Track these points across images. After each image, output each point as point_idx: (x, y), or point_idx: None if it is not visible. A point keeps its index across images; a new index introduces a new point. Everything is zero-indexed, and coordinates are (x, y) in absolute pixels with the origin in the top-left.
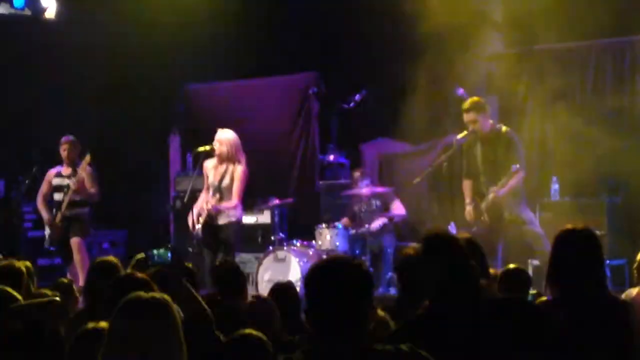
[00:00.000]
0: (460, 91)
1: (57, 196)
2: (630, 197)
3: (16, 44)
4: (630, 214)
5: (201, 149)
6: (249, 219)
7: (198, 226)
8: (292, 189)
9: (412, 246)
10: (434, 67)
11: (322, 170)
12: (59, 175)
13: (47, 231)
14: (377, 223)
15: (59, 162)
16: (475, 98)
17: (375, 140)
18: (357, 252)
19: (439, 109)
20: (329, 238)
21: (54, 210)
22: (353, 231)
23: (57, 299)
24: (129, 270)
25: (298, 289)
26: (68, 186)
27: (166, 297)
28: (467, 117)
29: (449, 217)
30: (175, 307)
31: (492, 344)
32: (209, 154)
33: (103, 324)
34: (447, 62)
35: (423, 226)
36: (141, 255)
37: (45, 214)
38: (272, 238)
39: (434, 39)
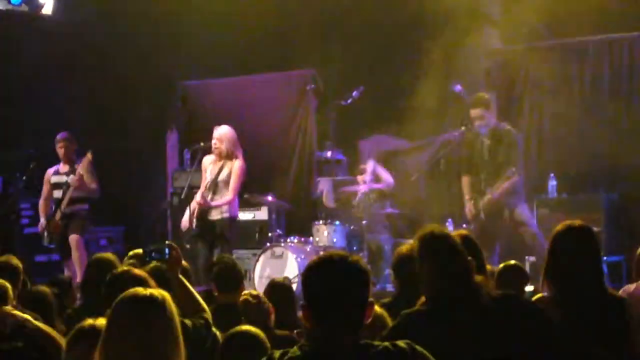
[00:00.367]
0: (458, 87)
1: (57, 193)
2: (628, 194)
3: (13, 40)
4: (628, 211)
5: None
6: (246, 215)
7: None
8: (290, 185)
9: (409, 243)
10: (432, 63)
11: (320, 167)
12: (56, 173)
13: (41, 230)
14: (363, 187)
15: (57, 158)
16: (481, 94)
17: (373, 136)
18: (355, 248)
19: (437, 105)
20: (326, 234)
21: (53, 207)
22: (351, 227)
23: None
24: (126, 267)
25: (295, 285)
26: (67, 183)
27: (164, 293)
28: (473, 112)
29: (446, 214)
30: (173, 303)
31: (489, 340)
32: (207, 151)
33: (100, 321)
34: (445, 59)
35: (420, 223)
36: (138, 251)
37: (42, 219)
38: (269, 234)
39: (432, 35)
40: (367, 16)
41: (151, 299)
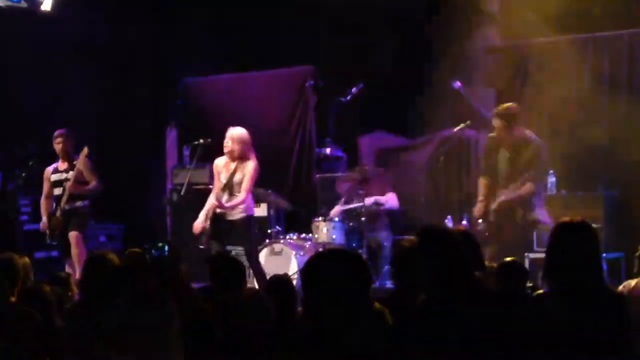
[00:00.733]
0: (457, 84)
1: (57, 191)
2: (627, 191)
3: (12, 37)
4: (627, 208)
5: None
6: (251, 212)
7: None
8: (289, 182)
9: (408, 239)
10: (431, 59)
11: (319, 164)
12: (56, 171)
13: (42, 228)
14: (369, 200)
15: (56, 155)
16: (506, 105)
17: (372, 133)
18: (354, 245)
19: (436, 102)
20: (325, 231)
21: (54, 205)
22: (335, 218)
23: None
24: (125, 264)
25: (295, 281)
26: (66, 180)
27: (163, 290)
28: (494, 121)
29: (445, 211)
30: (171, 301)
31: (487, 336)
32: (206, 147)
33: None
34: (444, 55)
35: (420, 220)
36: (138, 248)
37: (43, 217)
38: (269, 231)
39: (431, 32)
40: (366, 12)
41: (150, 296)
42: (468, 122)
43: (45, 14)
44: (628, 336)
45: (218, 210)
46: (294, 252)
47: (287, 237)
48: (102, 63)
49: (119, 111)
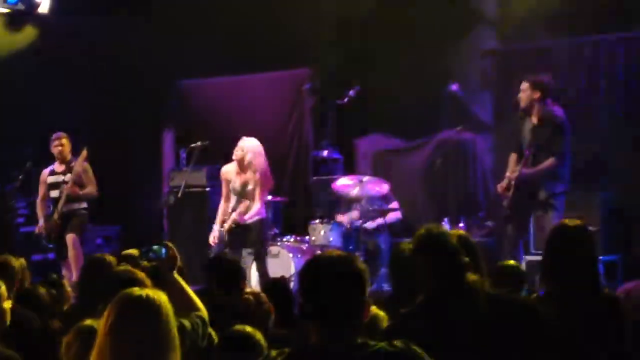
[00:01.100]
0: (454, 87)
1: (54, 193)
2: (624, 193)
3: (9, 38)
4: (624, 210)
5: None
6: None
7: (222, 229)
8: (286, 184)
9: (405, 242)
10: (429, 62)
11: (316, 166)
12: (52, 173)
13: (39, 230)
14: (372, 224)
15: (53, 158)
16: (539, 75)
17: (369, 135)
18: (351, 247)
19: (433, 104)
20: (322, 233)
21: (51, 207)
22: (347, 226)
23: None
24: (122, 267)
25: (292, 284)
26: (64, 182)
27: (160, 293)
28: (526, 90)
29: (442, 213)
30: (169, 304)
31: (484, 340)
32: (203, 150)
33: (97, 321)
34: (442, 58)
35: (417, 222)
36: (135, 251)
37: (40, 220)
38: None
39: (428, 34)
40: (363, 15)
41: (148, 299)
42: (460, 126)
43: (42, 15)
44: (624, 339)
45: (233, 221)
46: (291, 255)
47: (284, 239)
48: (99, 65)
49: (115, 113)
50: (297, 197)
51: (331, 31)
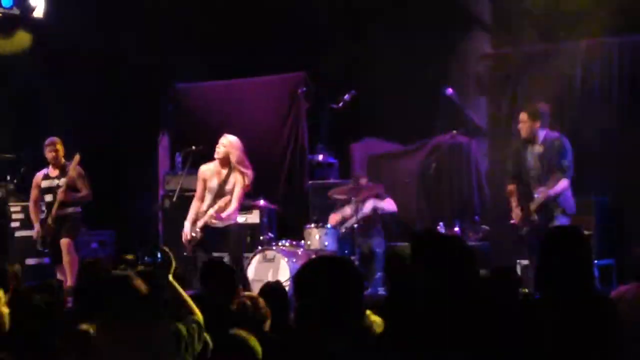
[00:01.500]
0: (449, 91)
1: (48, 198)
2: (619, 197)
3: (3, 43)
4: (619, 214)
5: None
6: (237, 219)
7: (196, 229)
8: (281, 188)
9: (401, 246)
10: (423, 67)
11: (311, 170)
12: (46, 177)
13: (36, 236)
14: (367, 209)
15: (47, 162)
16: (539, 104)
17: (365, 140)
18: (346, 252)
19: (428, 109)
20: (317, 238)
21: (45, 212)
22: (343, 230)
23: None
24: (117, 271)
25: (287, 288)
26: (58, 187)
27: (157, 297)
28: (524, 121)
29: (438, 217)
30: (165, 309)
31: (480, 343)
32: (199, 154)
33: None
34: (437, 62)
35: (412, 226)
36: (130, 255)
37: (35, 225)
38: (261, 238)
39: (423, 39)
40: (358, 20)
41: (144, 304)
42: (455, 130)
43: (37, 20)
44: (618, 343)
45: (212, 220)
46: (286, 259)
47: (280, 243)
48: (94, 69)
49: (111, 117)
50: (293, 202)
51: (326, 35)
